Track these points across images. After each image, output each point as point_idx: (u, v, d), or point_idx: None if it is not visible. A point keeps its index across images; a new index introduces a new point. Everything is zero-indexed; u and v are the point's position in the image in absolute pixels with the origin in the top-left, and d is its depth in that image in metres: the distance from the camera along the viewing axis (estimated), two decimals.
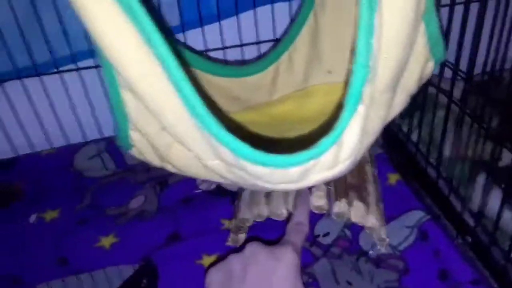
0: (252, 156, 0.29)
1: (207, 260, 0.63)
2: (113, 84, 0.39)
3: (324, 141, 0.30)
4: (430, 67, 0.49)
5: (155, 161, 0.51)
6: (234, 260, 0.49)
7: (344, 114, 0.30)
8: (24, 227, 0.70)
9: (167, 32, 0.73)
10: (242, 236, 0.64)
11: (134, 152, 0.50)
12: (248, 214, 0.63)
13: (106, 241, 0.67)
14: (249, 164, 0.29)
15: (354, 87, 0.29)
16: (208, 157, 0.37)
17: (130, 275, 0.65)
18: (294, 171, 0.30)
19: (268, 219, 0.63)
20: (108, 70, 0.37)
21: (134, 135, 0.45)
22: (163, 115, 0.35)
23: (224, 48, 0.76)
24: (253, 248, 0.49)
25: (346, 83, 0.30)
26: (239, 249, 0.53)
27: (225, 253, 0.63)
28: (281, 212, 0.61)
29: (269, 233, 0.63)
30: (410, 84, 0.47)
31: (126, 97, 0.39)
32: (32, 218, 0.71)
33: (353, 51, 0.30)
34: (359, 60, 0.29)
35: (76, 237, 0.68)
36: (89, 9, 0.30)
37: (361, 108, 0.30)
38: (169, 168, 0.51)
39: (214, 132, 0.29)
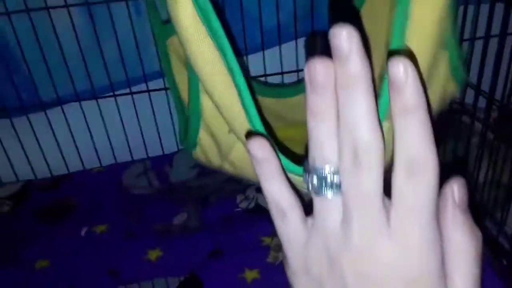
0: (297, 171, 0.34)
1: (249, 274, 0.66)
2: (195, 89, 0.47)
3: None
4: (452, 89, 0.53)
5: (215, 160, 0.55)
6: None
7: None
8: (76, 240, 0.74)
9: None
10: (281, 254, 0.67)
11: (197, 151, 0.55)
12: None
13: (153, 255, 0.71)
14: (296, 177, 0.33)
15: (381, 104, 0.31)
16: None
17: (176, 286, 0.69)
18: None
19: None
20: (194, 79, 0.46)
21: (202, 134, 0.51)
22: (231, 123, 0.43)
23: (265, 75, 0.81)
24: None
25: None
26: None
27: (265, 268, 0.66)
28: None
29: None
30: (432, 104, 0.51)
31: (205, 100, 0.47)
32: (83, 231, 0.76)
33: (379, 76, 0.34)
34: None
35: (125, 250, 0.72)
36: (194, 47, 0.39)
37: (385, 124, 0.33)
38: (227, 167, 0.56)
39: None
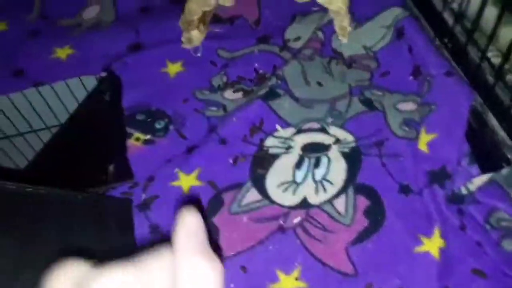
0: None
1: (172, 68, 0.60)
2: None
3: None
4: None
5: None
6: None
7: None
8: None
9: None
10: (195, 34, 0.60)
11: None
12: (195, 4, 0.58)
13: (62, 53, 0.62)
14: None
15: None
16: None
17: (92, 88, 0.62)
18: None
19: None
20: None
21: None
22: None
23: None
24: None
25: None
26: None
27: (188, 59, 0.59)
28: None
29: None
30: None
31: None
32: None
33: None
34: None
35: (30, 49, 0.63)
36: None
37: None
38: None
39: None
